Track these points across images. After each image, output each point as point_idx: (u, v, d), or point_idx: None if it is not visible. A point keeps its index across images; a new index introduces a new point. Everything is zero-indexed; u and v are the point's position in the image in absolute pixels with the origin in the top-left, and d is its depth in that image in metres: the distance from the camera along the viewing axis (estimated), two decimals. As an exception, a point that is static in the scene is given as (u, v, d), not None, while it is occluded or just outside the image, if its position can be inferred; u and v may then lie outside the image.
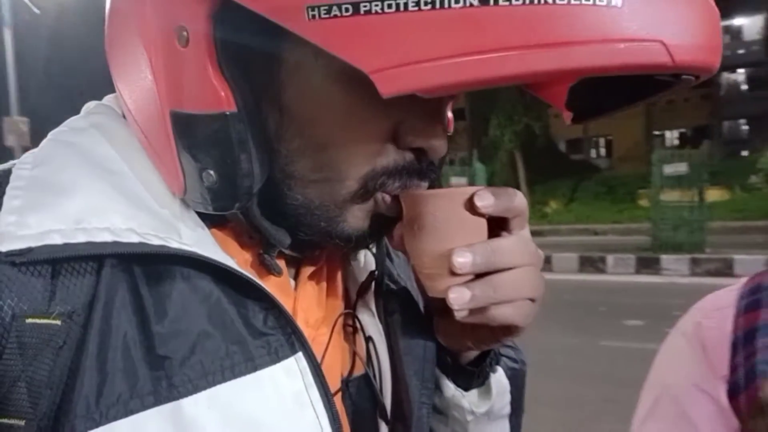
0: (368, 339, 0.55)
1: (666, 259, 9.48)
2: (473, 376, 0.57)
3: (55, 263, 0.41)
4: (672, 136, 37.16)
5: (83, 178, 0.44)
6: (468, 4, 0.32)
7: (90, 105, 0.52)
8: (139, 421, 0.38)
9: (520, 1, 0.31)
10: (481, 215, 0.44)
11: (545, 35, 0.31)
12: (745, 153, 31.17)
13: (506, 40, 0.32)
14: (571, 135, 31.17)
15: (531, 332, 0.51)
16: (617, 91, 0.44)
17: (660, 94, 0.42)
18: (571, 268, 9.42)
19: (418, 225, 0.45)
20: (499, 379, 0.59)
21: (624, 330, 5.87)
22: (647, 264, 9.57)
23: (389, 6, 0.32)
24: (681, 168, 9.78)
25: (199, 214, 0.47)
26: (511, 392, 0.60)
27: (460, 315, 0.44)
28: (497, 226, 0.46)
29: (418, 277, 0.48)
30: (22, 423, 0.38)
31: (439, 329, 0.55)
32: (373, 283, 0.57)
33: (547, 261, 7.73)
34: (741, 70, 36.84)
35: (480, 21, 0.32)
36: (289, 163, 0.46)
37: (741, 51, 36.03)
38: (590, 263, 9.60)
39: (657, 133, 35.39)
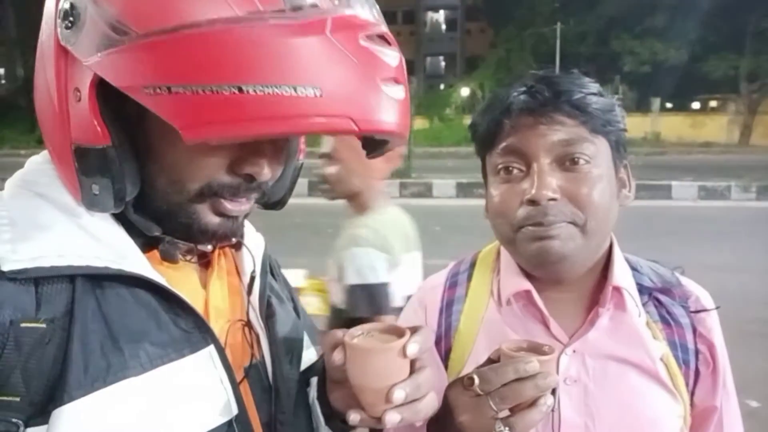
0: (257, 335, 0.72)
1: (381, 183, 10.76)
2: (346, 429, 0.71)
3: (38, 281, 0.55)
4: (385, 67, 40.53)
5: (55, 219, 0.59)
6: (231, 92, 0.49)
7: (36, 158, 0.66)
8: (111, 389, 0.55)
9: (263, 92, 0.49)
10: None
11: (276, 112, 0.50)
12: (442, 87, 35.84)
13: (253, 113, 0.50)
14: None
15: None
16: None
17: (382, 148, 0.64)
18: (302, 193, 10.03)
19: (361, 369, 0.61)
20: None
21: (348, 248, 6.66)
22: (366, 187, 10.73)
23: (185, 88, 0.50)
24: (395, 102, 10.99)
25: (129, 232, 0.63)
26: None
27: (389, 426, 0.61)
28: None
29: (358, 400, 0.63)
30: (17, 399, 0.52)
31: (333, 395, 0.69)
32: (258, 291, 0.74)
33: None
34: (441, 12, 41.55)
35: (239, 101, 0.50)
36: (154, 180, 0.62)
37: (442, -6, 40.42)
38: (317, 187, 10.33)
39: (373, 63, 38.10)
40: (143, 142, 0.61)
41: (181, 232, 0.65)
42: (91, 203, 0.60)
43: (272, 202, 0.77)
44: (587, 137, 0.80)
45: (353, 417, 0.63)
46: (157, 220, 0.64)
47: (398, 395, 0.60)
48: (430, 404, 0.64)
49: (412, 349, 0.60)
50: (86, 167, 0.59)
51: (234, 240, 0.69)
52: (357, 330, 0.65)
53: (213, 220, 0.64)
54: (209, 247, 0.70)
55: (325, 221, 7.88)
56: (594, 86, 0.83)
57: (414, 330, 0.63)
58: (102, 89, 0.56)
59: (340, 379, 0.65)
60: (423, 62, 40.72)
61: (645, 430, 0.81)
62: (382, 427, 0.62)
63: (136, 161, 0.61)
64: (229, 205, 0.64)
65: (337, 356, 0.62)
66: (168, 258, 0.65)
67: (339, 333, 0.64)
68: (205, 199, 0.63)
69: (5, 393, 0.52)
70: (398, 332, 0.63)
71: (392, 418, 0.60)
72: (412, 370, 0.63)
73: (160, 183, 0.62)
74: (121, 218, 0.63)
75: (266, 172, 0.63)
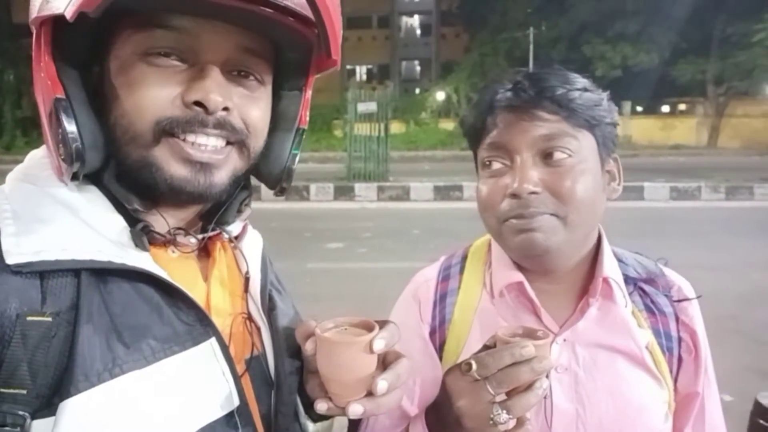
0: (258, 328, 0.72)
1: (358, 187, 10.77)
2: (324, 417, 0.73)
3: (43, 275, 0.56)
4: (361, 71, 40.73)
5: (57, 213, 0.59)
6: None
7: (36, 153, 0.66)
8: (116, 382, 0.55)
9: None
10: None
11: None
12: (417, 91, 36.01)
13: None
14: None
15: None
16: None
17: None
18: (278, 197, 9.96)
19: (329, 361, 0.63)
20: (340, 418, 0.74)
21: (326, 252, 6.57)
22: (343, 191, 10.72)
23: None
24: (371, 107, 11.04)
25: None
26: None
27: (352, 417, 0.64)
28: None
29: (325, 389, 0.65)
30: (24, 391, 0.52)
31: (308, 384, 0.70)
32: (259, 285, 0.74)
33: (256, 190, 8.04)
34: (416, 17, 41.79)
35: None
36: (115, 132, 0.62)
37: (416, -1, 40.68)
38: (296, 192, 10.29)
39: (349, 67, 38.31)
40: (103, 101, 0.62)
41: (155, 195, 0.63)
42: (65, 172, 0.59)
43: (276, 178, 0.75)
44: (569, 132, 0.81)
45: (320, 406, 0.65)
46: (137, 193, 0.63)
47: (381, 386, 0.62)
48: (394, 398, 0.65)
49: (378, 345, 0.62)
50: (50, 130, 0.59)
51: (209, 196, 0.66)
52: (330, 323, 0.66)
53: (179, 171, 0.62)
54: (192, 241, 0.68)
55: (302, 225, 7.92)
56: (581, 82, 0.84)
57: (383, 325, 0.65)
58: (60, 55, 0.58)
59: (314, 369, 0.66)
60: (398, 67, 40.88)
61: (633, 416, 0.83)
62: (347, 416, 0.64)
63: (94, 115, 0.61)
64: (190, 149, 0.62)
65: (308, 347, 0.65)
66: (139, 244, 0.62)
67: (312, 324, 0.66)
68: (160, 141, 0.61)
69: (12, 386, 0.53)
70: (369, 327, 0.65)
71: (355, 409, 0.63)
72: (386, 363, 0.65)
73: (118, 136, 0.62)
74: (122, 214, 0.63)
75: (215, 98, 0.61)
